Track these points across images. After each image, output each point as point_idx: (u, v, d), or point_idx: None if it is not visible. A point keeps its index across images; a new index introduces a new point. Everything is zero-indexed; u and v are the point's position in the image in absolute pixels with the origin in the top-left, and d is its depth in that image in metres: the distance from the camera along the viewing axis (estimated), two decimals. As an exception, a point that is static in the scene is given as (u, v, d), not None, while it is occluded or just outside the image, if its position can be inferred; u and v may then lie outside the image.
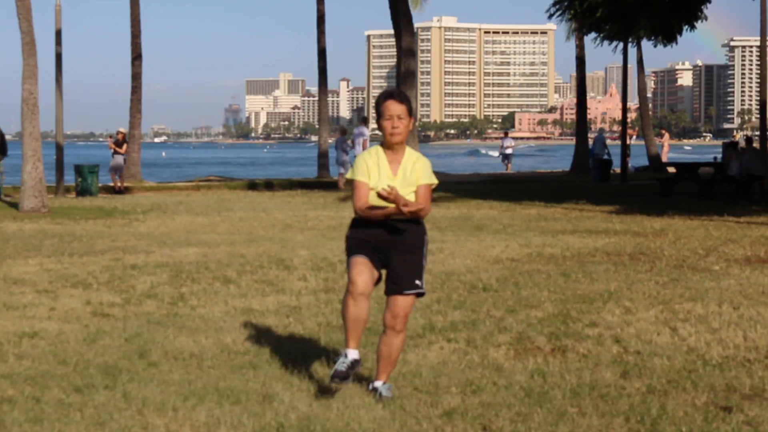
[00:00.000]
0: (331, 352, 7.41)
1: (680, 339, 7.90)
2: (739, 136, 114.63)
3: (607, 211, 21.24)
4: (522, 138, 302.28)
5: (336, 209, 22.50)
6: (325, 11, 39.82)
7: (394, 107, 6.05)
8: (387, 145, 6.11)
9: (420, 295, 6.18)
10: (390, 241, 6.06)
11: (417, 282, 6.11)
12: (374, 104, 6.19)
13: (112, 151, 31.11)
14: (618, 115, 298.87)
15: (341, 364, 5.96)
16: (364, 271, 5.96)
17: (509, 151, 45.89)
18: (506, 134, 49.33)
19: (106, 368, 7.01)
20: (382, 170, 6.07)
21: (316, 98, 47.06)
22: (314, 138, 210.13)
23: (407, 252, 6.09)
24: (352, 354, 5.99)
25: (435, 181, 6.14)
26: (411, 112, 6.10)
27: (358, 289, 5.92)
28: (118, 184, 30.71)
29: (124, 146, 31.26)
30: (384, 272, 6.19)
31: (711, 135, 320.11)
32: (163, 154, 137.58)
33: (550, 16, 36.30)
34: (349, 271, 6.02)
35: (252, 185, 33.79)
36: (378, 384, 6.20)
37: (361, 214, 6.05)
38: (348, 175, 6.19)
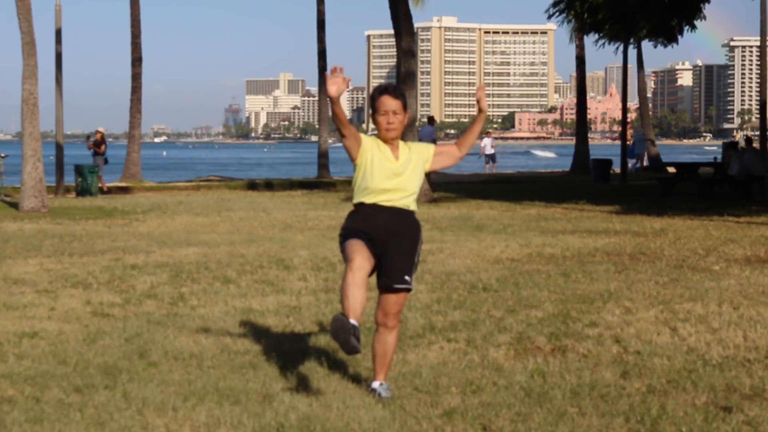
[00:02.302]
0: (331, 352, 7.42)
1: (680, 339, 7.90)
2: (739, 136, 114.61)
3: (607, 211, 21.25)
4: (522, 138, 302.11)
5: (336, 209, 22.50)
6: (326, 11, 39.84)
7: (390, 103, 6.05)
8: (383, 139, 6.13)
9: (408, 290, 6.16)
10: (386, 232, 6.03)
11: (407, 278, 6.09)
12: (369, 99, 6.19)
13: (92, 151, 30.86)
14: (618, 115, 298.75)
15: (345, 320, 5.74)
16: (361, 250, 5.92)
17: (491, 151, 45.22)
18: (488, 134, 48.83)
19: (106, 368, 7.01)
20: (384, 154, 6.09)
21: (316, 98, 47.02)
22: (314, 138, 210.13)
23: (402, 245, 6.07)
24: (353, 321, 5.72)
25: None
26: (406, 107, 6.11)
27: (356, 263, 5.81)
28: (99, 185, 30.37)
29: (102, 146, 30.98)
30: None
31: (711, 135, 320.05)
32: (164, 153, 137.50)
33: (550, 17, 36.32)
34: (346, 251, 5.96)
35: (252, 185, 33.80)
36: (376, 385, 6.20)
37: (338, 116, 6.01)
38: None
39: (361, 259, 5.86)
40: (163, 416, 5.82)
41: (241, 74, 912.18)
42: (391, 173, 6.06)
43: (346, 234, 6.09)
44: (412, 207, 6.17)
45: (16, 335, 8.18)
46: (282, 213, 21.45)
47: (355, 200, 6.18)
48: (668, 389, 6.37)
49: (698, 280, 11.08)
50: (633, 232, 16.63)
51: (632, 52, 39.86)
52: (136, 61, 36.66)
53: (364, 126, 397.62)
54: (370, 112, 6.17)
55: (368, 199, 6.10)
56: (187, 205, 24.00)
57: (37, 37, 22.65)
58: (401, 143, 6.18)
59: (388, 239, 6.05)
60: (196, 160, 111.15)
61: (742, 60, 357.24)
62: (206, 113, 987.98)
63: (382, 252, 6.06)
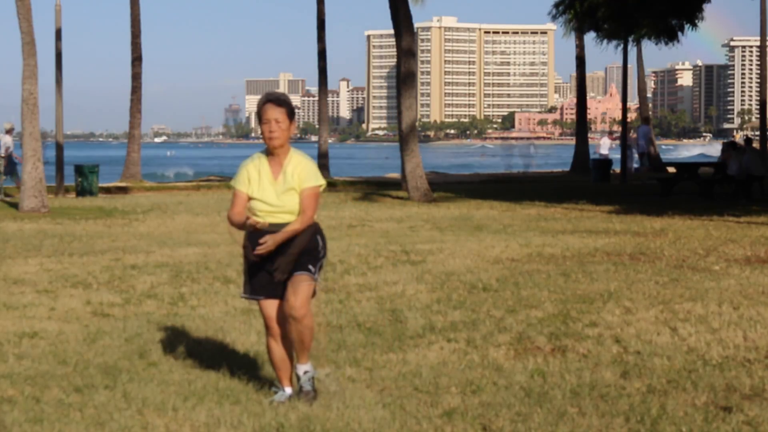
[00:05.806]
0: (331, 352, 7.42)
1: (680, 339, 7.90)
2: (739, 137, 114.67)
3: (607, 211, 21.24)
4: (522, 138, 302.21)
5: (336, 209, 22.50)
6: (326, 11, 39.81)
7: (272, 111, 5.94)
8: (268, 150, 6.03)
9: (311, 278, 6.02)
10: (275, 250, 5.97)
11: (310, 267, 6.04)
12: (256, 109, 6.07)
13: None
14: (618, 115, 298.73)
15: (281, 396, 6.09)
16: (272, 315, 6.07)
17: (606, 151, 40.99)
18: (610, 135, 44.76)
19: (106, 368, 7.01)
20: (263, 176, 5.99)
21: (316, 98, 47.01)
22: (314, 138, 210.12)
23: (295, 250, 6.01)
24: (289, 390, 6.14)
25: (322, 182, 6.05)
26: (291, 116, 5.98)
27: (276, 332, 6.08)
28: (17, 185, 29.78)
29: None
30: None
31: (711, 135, 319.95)
32: (169, 153, 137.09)
33: (554, 18, 36.27)
34: (262, 314, 6.14)
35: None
36: (300, 371, 6.12)
37: (235, 224, 5.99)
38: (231, 183, 6.14)
39: (278, 326, 6.05)
40: (163, 416, 5.82)
41: (241, 74, 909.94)
42: (268, 204, 5.97)
43: (248, 278, 6.10)
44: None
45: (16, 335, 8.19)
46: (282, 213, 21.42)
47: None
48: (668, 389, 6.37)
49: (698, 280, 11.07)
50: (633, 232, 16.63)
51: (632, 52, 39.83)
52: (136, 60, 36.64)
53: (364, 126, 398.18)
54: (257, 121, 6.06)
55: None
56: (187, 205, 24.00)
57: (37, 37, 22.65)
58: (293, 156, 6.03)
59: (278, 253, 5.98)
60: (200, 159, 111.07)
61: (742, 60, 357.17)
62: (206, 113, 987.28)
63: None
